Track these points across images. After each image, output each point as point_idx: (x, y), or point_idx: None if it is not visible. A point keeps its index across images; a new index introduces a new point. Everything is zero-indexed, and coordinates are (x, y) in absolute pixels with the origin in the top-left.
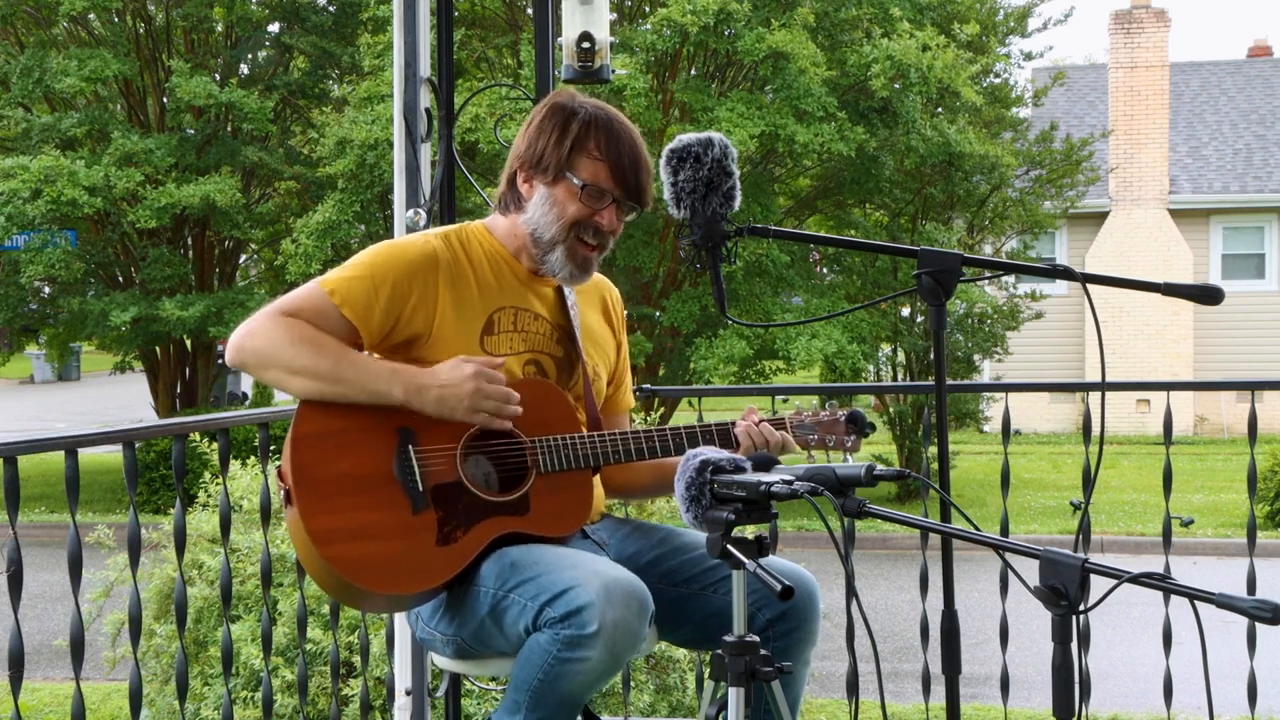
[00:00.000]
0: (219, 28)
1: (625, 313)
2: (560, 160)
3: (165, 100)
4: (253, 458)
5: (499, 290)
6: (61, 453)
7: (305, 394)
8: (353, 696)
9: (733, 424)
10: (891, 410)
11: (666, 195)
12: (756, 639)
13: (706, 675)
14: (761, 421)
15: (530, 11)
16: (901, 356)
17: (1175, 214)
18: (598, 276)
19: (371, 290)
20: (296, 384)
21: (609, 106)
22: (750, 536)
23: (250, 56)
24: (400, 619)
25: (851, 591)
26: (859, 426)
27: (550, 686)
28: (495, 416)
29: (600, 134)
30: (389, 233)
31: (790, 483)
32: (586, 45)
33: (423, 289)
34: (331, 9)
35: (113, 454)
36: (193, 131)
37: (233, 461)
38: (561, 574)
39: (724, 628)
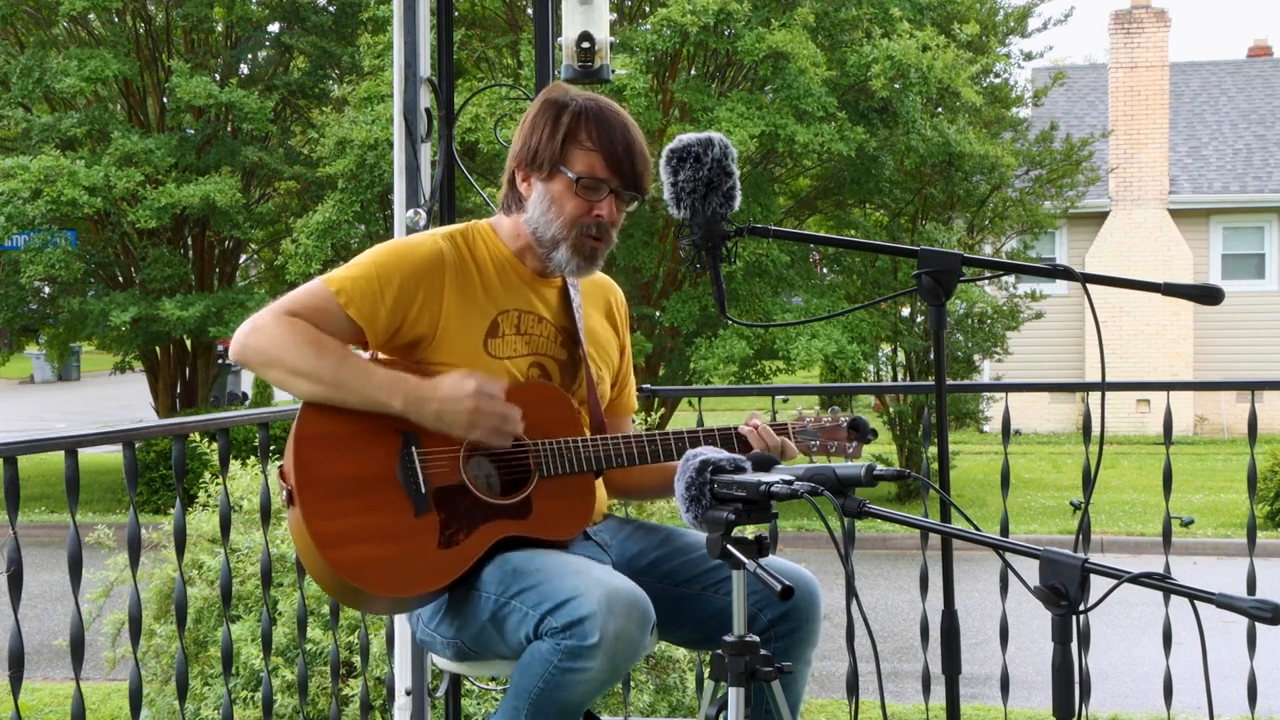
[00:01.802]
0: (219, 28)
1: (629, 314)
2: (554, 155)
3: (165, 100)
4: (253, 458)
5: (504, 292)
6: (61, 453)
7: (307, 396)
8: (353, 696)
9: (736, 429)
10: (891, 410)
11: (666, 195)
12: (756, 639)
13: (706, 675)
14: (762, 425)
15: (530, 11)
16: (901, 356)
17: (1175, 214)
18: (602, 277)
19: (378, 290)
20: (298, 385)
21: (601, 97)
22: (750, 536)
23: (250, 56)
24: (400, 619)
25: (851, 591)
26: (861, 433)
27: (550, 695)
28: (493, 434)
29: (591, 124)
30: (389, 233)
31: (790, 483)
32: (586, 45)
33: (428, 291)
34: (331, 9)
35: (113, 454)
36: (193, 131)
37: (233, 461)
38: (564, 582)
39: (725, 628)
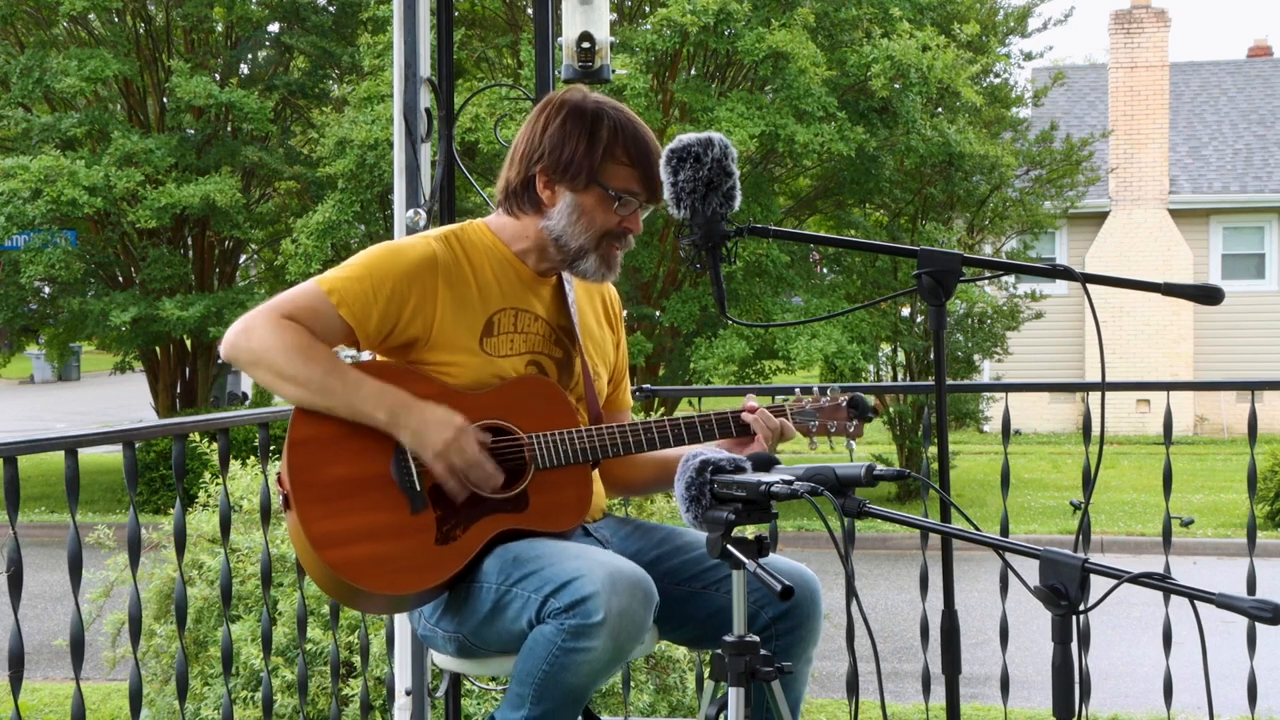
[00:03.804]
0: (219, 28)
1: (625, 312)
2: (592, 169)
3: (165, 100)
4: (253, 458)
5: (499, 291)
6: (61, 453)
7: (293, 400)
8: (353, 696)
9: (733, 414)
10: (891, 410)
11: (667, 195)
12: (756, 639)
13: (706, 675)
14: (759, 409)
15: (530, 11)
16: (901, 356)
17: (1175, 214)
18: None
19: (370, 292)
20: (285, 389)
21: (618, 103)
22: (750, 536)
23: (250, 56)
24: (400, 618)
25: (851, 591)
26: (860, 411)
27: (555, 678)
28: (455, 473)
29: (629, 139)
30: (389, 233)
31: (790, 483)
32: (586, 45)
33: (421, 292)
34: (331, 9)
35: (113, 454)
36: (193, 131)
37: (233, 461)
38: (565, 565)
39: (726, 626)
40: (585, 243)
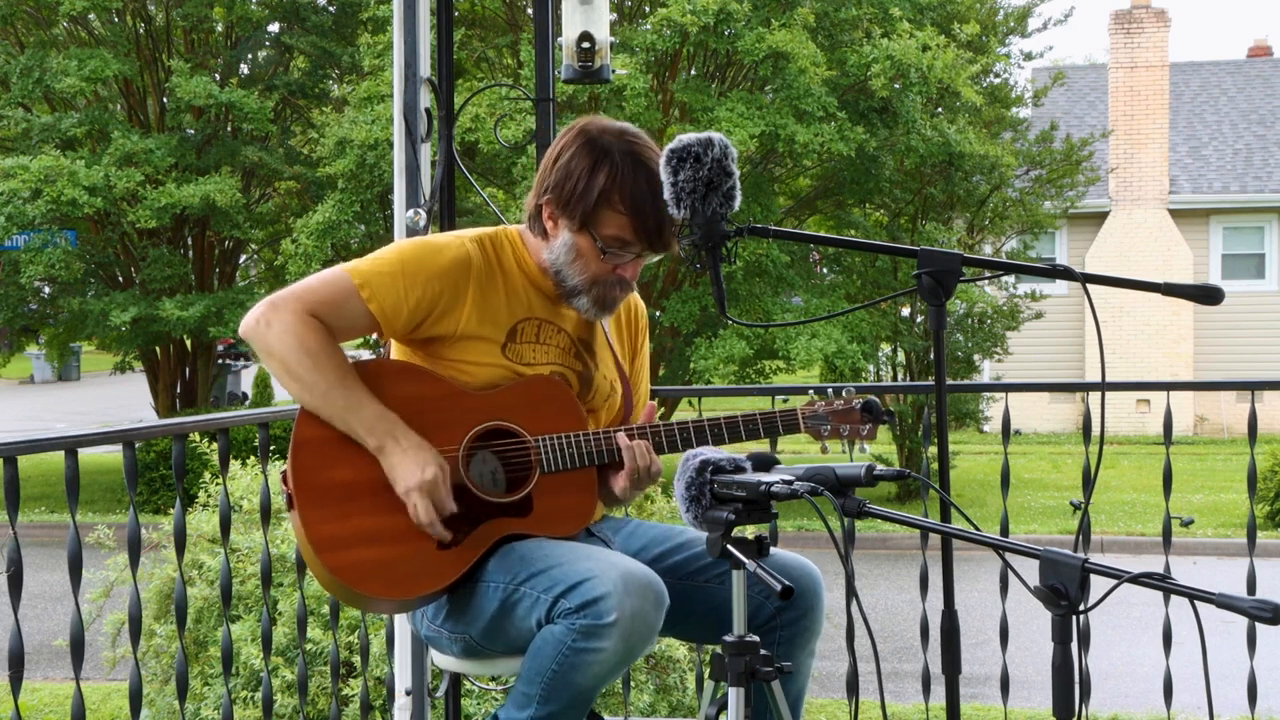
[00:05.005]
0: (219, 28)
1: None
2: (586, 211)
3: (165, 100)
4: (253, 458)
5: (526, 301)
6: (61, 453)
7: (295, 398)
8: (353, 696)
9: (744, 416)
10: (892, 410)
11: (667, 195)
12: (756, 639)
13: (706, 675)
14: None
15: (530, 11)
16: (901, 356)
17: (1175, 214)
18: None
19: (401, 289)
20: (289, 386)
21: (640, 143)
22: (750, 536)
23: (250, 56)
24: (401, 619)
25: (851, 591)
26: (875, 415)
27: (564, 678)
28: (419, 512)
29: (626, 186)
30: (389, 233)
31: (790, 483)
32: (586, 45)
33: (453, 293)
34: (331, 9)
35: (113, 454)
36: (193, 131)
37: (233, 461)
38: (576, 565)
39: (729, 620)
40: (579, 284)
